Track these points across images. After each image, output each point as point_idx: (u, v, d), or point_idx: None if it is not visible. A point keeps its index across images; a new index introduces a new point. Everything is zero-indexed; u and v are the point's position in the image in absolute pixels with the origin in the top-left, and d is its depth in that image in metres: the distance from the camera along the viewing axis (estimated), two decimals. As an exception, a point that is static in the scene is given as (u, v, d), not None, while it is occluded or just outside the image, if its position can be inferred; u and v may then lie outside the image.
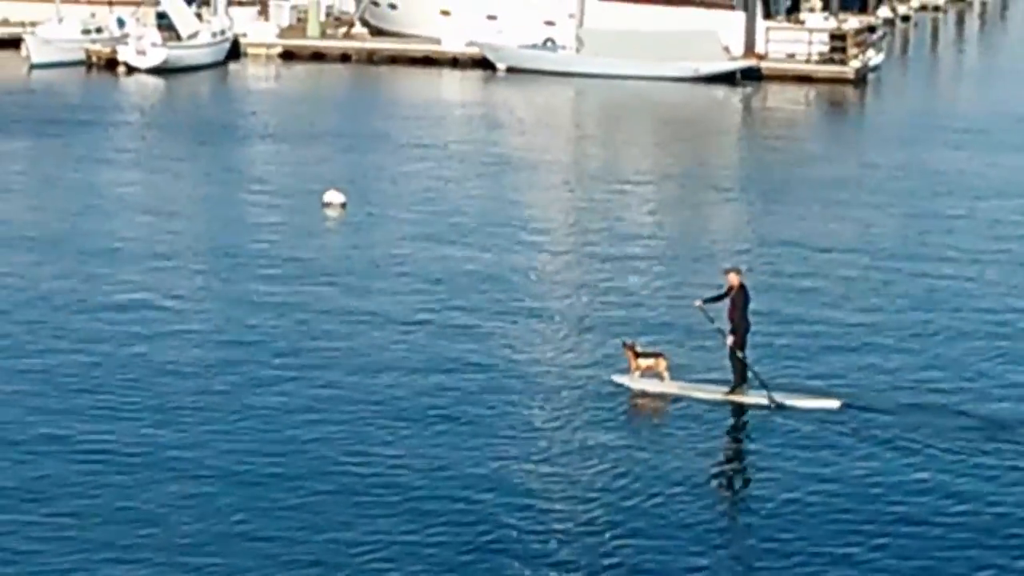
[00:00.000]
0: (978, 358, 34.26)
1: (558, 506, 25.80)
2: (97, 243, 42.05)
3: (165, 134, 57.75)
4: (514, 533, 24.74)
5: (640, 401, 30.63)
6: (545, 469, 27.04)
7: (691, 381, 30.77)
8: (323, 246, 42.10)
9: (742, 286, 30.47)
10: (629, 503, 25.93)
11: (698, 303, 31.63)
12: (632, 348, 31.09)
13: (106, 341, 32.70)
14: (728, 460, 28.97)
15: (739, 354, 30.29)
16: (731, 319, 30.30)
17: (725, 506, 27.03)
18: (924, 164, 55.18)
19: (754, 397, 30.18)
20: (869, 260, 41.84)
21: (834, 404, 30.24)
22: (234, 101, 64.90)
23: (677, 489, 26.42)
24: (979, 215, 47.09)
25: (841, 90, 68.15)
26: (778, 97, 67.27)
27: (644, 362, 30.83)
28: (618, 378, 30.94)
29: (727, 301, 30.49)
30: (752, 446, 29.15)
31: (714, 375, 31.08)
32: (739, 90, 67.70)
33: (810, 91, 68.02)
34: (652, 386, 30.76)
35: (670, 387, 30.59)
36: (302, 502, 25.43)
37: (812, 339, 35.62)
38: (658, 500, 26.00)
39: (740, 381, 30.16)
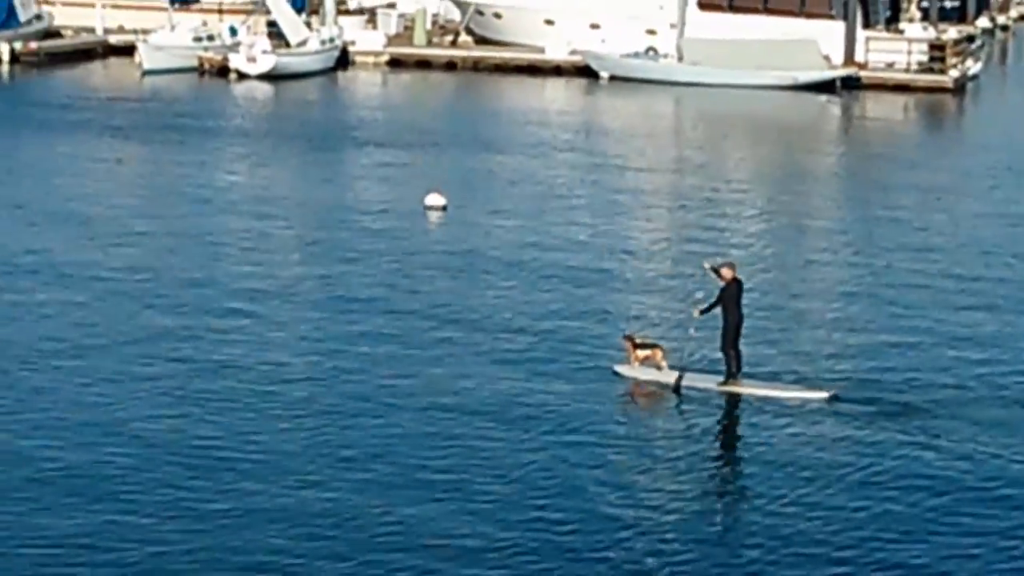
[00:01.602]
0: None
1: (552, 488, 25.65)
2: (211, 239, 42.36)
3: (275, 138, 58.26)
4: (513, 503, 24.90)
5: (634, 381, 31.03)
6: (543, 452, 27.20)
7: (688, 370, 30.72)
8: (422, 247, 42.02)
9: (736, 279, 30.84)
10: (620, 485, 26.08)
11: (696, 313, 31.57)
12: (631, 339, 31.51)
13: (223, 332, 33.06)
14: (721, 447, 29.28)
15: (733, 345, 30.50)
16: (724, 309, 30.67)
17: (713, 492, 26.97)
18: (1017, 164, 55.27)
19: (747, 387, 30.46)
20: (947, 265, 41.15)
21: (822, 395, 30.35)
22: (342, 107, 65.39)
23: (667, 473, 26.75)
24: None
25: (940, 99, 67.55)
26: (877, 106, 66.62)
27: (642, 352, 31.17)
28: (622, 367, 31.38)
29: (719, 291, 30.74)
30: (744, 433, 29.32)
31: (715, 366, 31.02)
32: (838, 99, 67.17)
33: (909, 100, 67.34)
34: (643, 372, 31.12)
35: (666, 377, 30.88)
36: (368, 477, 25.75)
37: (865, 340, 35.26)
38: (648, 484, 26.20)
39: (735, 371, 30.44)
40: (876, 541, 23.81)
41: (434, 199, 46.16)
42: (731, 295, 30.71)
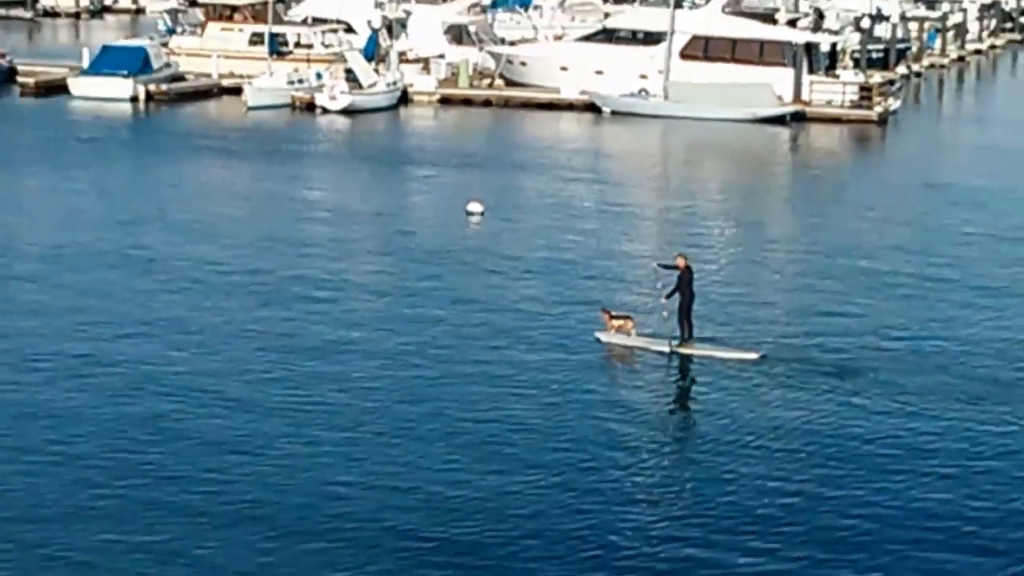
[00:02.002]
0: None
1: (541, 430, 26.31)
2: (301, 241, 42.44)
3: (350, 159, 58.43)
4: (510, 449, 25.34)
5: (610, 346, 31.52)
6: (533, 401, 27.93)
7: (650, 337, 31.43)
8: (465, 245, 42.29)
9: (688, 267, 31.03)
10: (593, 428, 26.57)
11: (663, 299, 31.73)
12: (608, 312, 31.75)
13: (313, 315, 33.35)
14: (675, 399, 29.70)
15: (687, 317, 30.88)
16: (680, 292, 30.78)
17: (670, 436, 27.40)
18: (929, 180, 55.21)
19: (695, 349, 30.79)
20: (872, 260, 41.08)
21: (753, 355, 30.74)
22: (402, 135, 65.38)
23: (633, 419, 27.26)
24: (955, 221, 46.58)
25: (867, 129, 67.46)
26: (819, 135, 66.66)
27: (616, 323, 31.44)
28: (602, 334, 31.64)
29: (675, 277, 30.96)
30: (693, 387, 29.80)
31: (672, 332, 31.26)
32: (788, 129, 67.16)
33: (843, 130, 67.30)
34: (619, 337, 31.51)
35: (636, 341, 31.30)
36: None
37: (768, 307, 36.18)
38: (617, 427, 26.67)
39: (688, 337, 30.80)
40: (797, 472, 24.18)
41: (474, 206, 46.06)
42: (685, 280, 30.90)
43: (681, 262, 31.27)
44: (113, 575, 19.74)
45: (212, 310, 34.02)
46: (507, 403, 28.12)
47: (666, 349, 30.98)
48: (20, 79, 73.38)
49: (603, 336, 31.66)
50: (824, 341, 32.40)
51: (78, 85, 70.20)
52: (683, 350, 30.89)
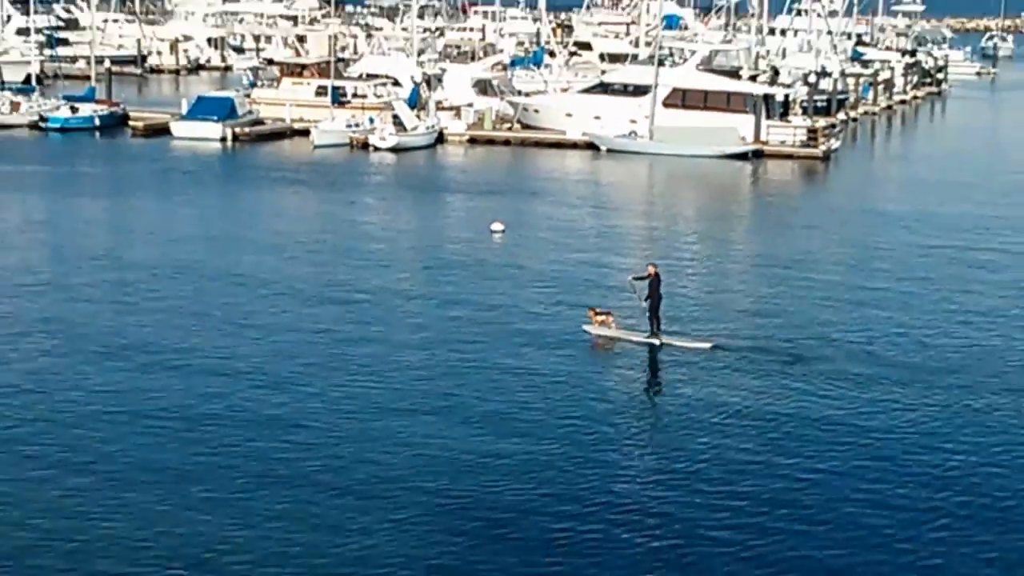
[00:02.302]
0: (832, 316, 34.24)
1: (528, 403, 26.53)
2: (356, 253, 42.45)
3: (396, 188, 58.44)
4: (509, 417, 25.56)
5: (596, 338, 31.68)
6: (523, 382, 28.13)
7: (627, 329, 31.61)
8: (488, 256, 42.24)
9: (656, 274, 30.94)
10: (578, 401, 26.88)
11: (629, 279, 32.61)
12: (593, 309, 31.96)
13: (359, 317, 33.10)
14: (644, 379, 29.68)
15: (655, 315, 30.87)
16: (652, 297, 30.75)
17: (640, 405, 27.61)
18: (863, 206, 55.08)
19: (661, 339, 30.76)
20: (816, 271, 40.71)
21: (706, 345, 30.85)
22: (438, 169, 65.27)
23: (610, 395, 27.66)
24: (885, 239, 46.33)
25: (813, 164, 67.30)
26: (774, 169, 66.40)
27: (599, 318, 31.65)
28: (588, 328, 31.76)
29: (647, 283, 30.87)
30: (658, 370, 29.85)
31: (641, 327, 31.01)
32: (750, 164, 66.90)
33: (794, 165, 67.12)
34: (602, 330, 31.70)
35: (615, 333, 31.49)
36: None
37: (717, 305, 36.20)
38: (597, 403, 26.86)
39: (656, 331, 30.82)
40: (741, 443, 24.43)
41: (496, 226, 46.07)
42: (655, 285, 30.82)
43: (652, 269, 31.24)
44: (203, 526, 20.08)
45: (276, 309, 34.12)
46: (512, 382, 28.36)
47: (639, 339, 31.19)
48: (131, 123, 74.01)
49: (589, 328, 31.84)
50: (772, 334, 32.39)
51: (178, 128, 70.76)
52: (652, 340, 30.98)
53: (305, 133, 70.48)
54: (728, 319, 34.31)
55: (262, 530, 19.90)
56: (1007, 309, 35.78)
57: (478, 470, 22.65)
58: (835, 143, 70.40)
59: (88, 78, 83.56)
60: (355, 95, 75.61)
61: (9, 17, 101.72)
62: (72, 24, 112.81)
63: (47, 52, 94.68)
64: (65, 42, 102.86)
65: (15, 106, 74.66)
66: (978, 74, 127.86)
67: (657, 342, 31.00)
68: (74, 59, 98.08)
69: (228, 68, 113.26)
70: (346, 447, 23.75)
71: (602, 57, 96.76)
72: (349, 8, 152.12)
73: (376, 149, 67.55)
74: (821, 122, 73.84)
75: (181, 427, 24.55)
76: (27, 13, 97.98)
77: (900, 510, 21.25)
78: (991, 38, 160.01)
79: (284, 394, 26.85)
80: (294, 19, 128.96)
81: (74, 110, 73.80)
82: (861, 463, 23.52)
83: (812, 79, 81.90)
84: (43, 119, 72.89)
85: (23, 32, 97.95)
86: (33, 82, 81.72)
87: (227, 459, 22.96)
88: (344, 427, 24.84)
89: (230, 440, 23.99)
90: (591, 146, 69.67)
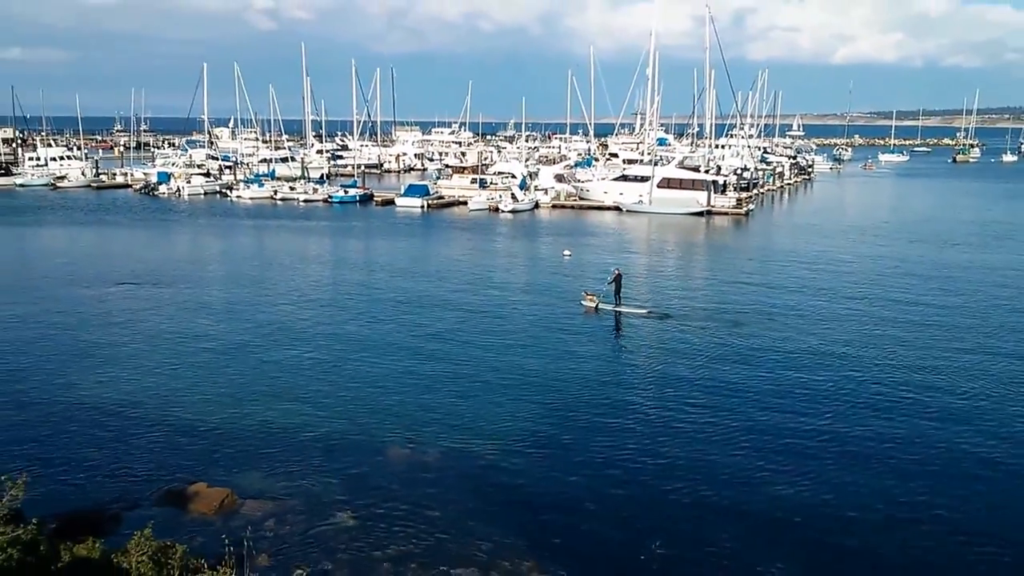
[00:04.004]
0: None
1: (527, 365, 23.21)
2: (493, 265, 41.08)
3: (512, 234, 54.91)
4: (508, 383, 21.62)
5: (586, 307, 30.34)
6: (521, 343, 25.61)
7: (605, 303, 30.17)
8: (560, 271, 40.26)
9: (619, 275, 29.95)
10: (566, 356, 24.19)
11: (607, 283, 30.62)
12: (586, 292, 30.89)
13: (444, 331, 27.21)
14: (613, 335, 27.44)
15: (617, 295, 29.73)
16: (616, 285, 29.81)
17: (604, 338, 25.99)
18: (768, 240, 53.51)
19: (623, 308, 29.39)
20: (736, 279, 37.96)
21: (643, 311, 29.15)
22: (535, 223, 63.79)
23: (593, 349, 25.16)
24: (774, 258, 44.70)
25: (740, 219, 65.37)
26: (717, 222, 64.45)
27: (590, 296, 30.49)
28: (582, 301, 30.61)
29: (613, 282, 29.97)
30: (624, 329, 28.10)
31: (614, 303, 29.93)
32: (704, 219, 65.04)
33: (728, 219, 65.22)
34: (590, 303, 30.30)
35: (597, 304, 30.04)
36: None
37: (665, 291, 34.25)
38: (587, 358, 24.08)
39: (618, 304, 29.79)
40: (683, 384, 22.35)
41: (566, 252, 45.25)
42: (619, 281, 30.17)
43: (616, 272, 30.60)
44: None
45: (468, 294, 32.78)
46: (555, 320, 27.48)
47: (610, 308, 29.94)
48: (375, 199, 75.09)
49: (584, 302, 30.81)
50: (690, 305, 31.26)
51: (399, 201, 71.96)
52: (618, 309, 29.79)
53: (464, 203, 70.84)
54: (672, 301, 32.95)
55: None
56: (841, 288, 35.26)
57: (506, 423, 18.64)
58: (752, 207, 69.58)
59: (352, 175, 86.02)
60: (491, 183, 76.15)
61: (312, 144, 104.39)
62: (344, 147, 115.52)
63: (331, 162, 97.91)
64: (341, 157, 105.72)
65: (315, 190, 77.07)
66: (831, 168, 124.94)
67: (618, 309, 29.92)
68: (346, 166, 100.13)
69: (425, 169, 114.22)
70: (412, 401, 19.61)
71: (624, 161, 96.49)
72: (488, 136, 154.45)
73: (502, 212, 67.68)
74: (744, 195, 72.74)
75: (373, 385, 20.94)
76: (321, 141, 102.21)
77: (830, 442, 18.23)
78: (837, 148, 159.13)
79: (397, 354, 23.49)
80: (460, 143, 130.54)
81: (346, 192, 75.76)
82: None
83: (739, 172, 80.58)
84: (330, 197, 74.90)
85: (320, 152, 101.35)
86: (324, 178, 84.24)
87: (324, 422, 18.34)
88: (417, 385, 21.06)
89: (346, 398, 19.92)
90: (617, 209, 68.98)
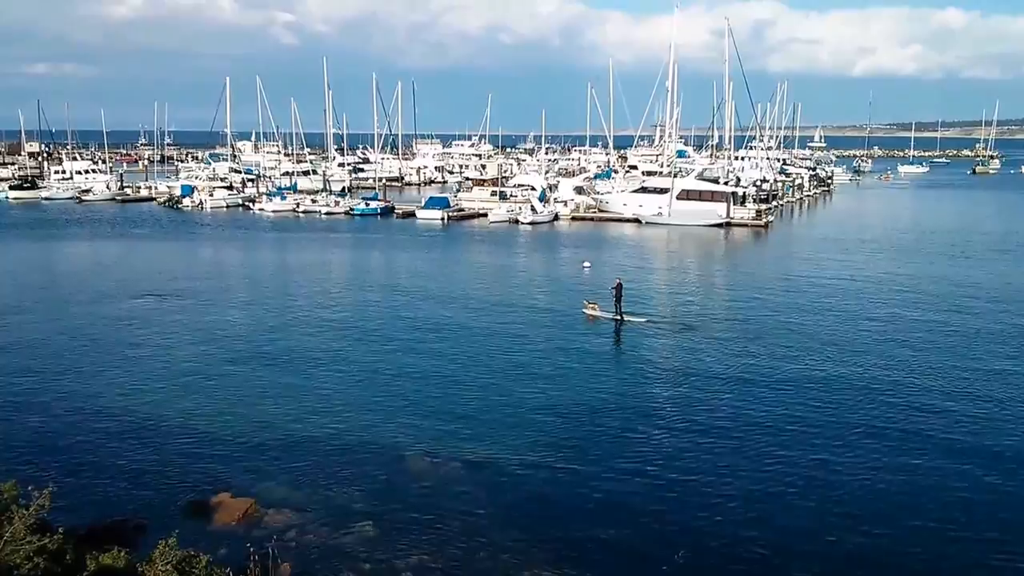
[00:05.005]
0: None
1: (540, 361, 24.03)
2: (513, 275, 41.01)
3: (533, 244, 56.95)
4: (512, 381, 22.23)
5: (588, 315, 30.56)
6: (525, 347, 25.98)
7: (605, 311, 30.28)
8: (580, 282, 39.83)
9: (620, 284, 29.99)
10: (563, 354, 24.88)
11: (611, 289, 30.46)
12: (587, 301, 31.18)
13: (469, 334, 27.82)
14: (615, 340, 27.85)
15: (620, 306, 29.64)
16: (617, 295, 29.66)
17: (616, 353, 25.80)
18: (787, 251, 52.78)
19: (624, 317, 29.45)
20: (752, 286, 38.94)
21: (643, 320, 29.47)
22: (555, 235, 63.63)
23: (595, 351, 25.73)
24: (800, 271, 43.98)
25: (760, 231, 64.97)
26: (737, 233, 64.26)
27: (591, 305, 30.82)
28: (584, 309, 30.97)
29: (614, 290, 29.84)
30: (623, 335, 28.29)
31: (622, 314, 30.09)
32: (723, 231, 64.82)
33: (748, 231, 64.91)
34: (592, 312, 30.57)
35: (599, 314, 30.26)
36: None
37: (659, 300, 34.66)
38: (585, 357, 24.78)
39: (618, 312, 29.65)
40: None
41: (586, 263, 45.13)
42: (620, 290, 30.00)
43: (617, 281, 30.57)
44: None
45: (488, 289, 34.28)
46: (568, 324, 27.77)
47: (610, 316, 29.99)
48: (396, 211, 75.36)
49: (585, 310, 31.09)
50: (725, 324, 30.49)
51: (420, 214, 71.95)
52: (617, 318, 29.79)
53: (485, 215, 70.88)
54: (675, 308, 32.85)
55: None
56: (849, 307, 34.27)
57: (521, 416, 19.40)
58: (771, 218, 69.30)
59: (374, 188, 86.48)
60: (511, 195, 76.04)
61: (334, 157, 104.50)
62: (365, 160, 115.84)
63: (353, 175, 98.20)
64: (362, 170, 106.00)
65: (337, 203, 77.44)
66: (850, 180, 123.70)
67: (619, 318, 29.87)
68: (367, 179, 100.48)
69: (445, 182, 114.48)
70: (438, 389, 20.92)
71: (644, 173, 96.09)
72: (508, 148, 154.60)
73: (522, 224, 67.65)
74: (763, 207, 72.19)
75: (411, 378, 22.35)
76: (343, 154, 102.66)
77: (798, 436, 18.91)
78: (857, 160, 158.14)
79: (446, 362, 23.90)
80: (480, 155, 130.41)
81: (367, 205, 76.05)
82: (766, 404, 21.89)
83: (758, 183, 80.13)
84: (351, 210, 75.29)
85: (341, 165, 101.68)
86: (347, 191, 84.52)
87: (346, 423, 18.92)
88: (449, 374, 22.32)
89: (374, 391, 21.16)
90: (637, 221, 68.75)
